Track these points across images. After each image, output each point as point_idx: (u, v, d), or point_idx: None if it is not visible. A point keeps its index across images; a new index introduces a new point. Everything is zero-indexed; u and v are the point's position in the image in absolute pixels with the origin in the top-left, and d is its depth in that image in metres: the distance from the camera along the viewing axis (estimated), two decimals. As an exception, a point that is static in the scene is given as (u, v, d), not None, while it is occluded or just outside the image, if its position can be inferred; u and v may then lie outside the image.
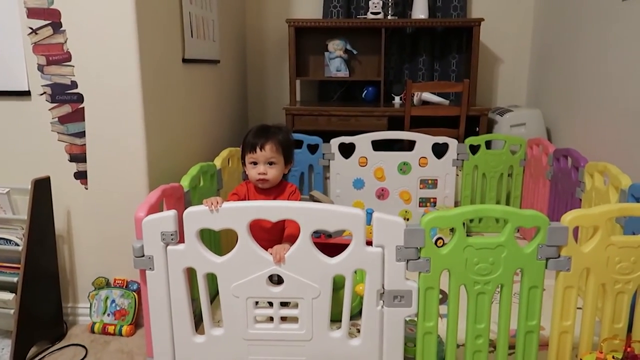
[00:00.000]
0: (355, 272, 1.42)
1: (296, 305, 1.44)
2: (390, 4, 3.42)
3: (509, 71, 3.67)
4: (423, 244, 1.37)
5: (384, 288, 1.40)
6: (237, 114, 3.40)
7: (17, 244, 1.78)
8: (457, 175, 2.95)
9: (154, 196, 1.56)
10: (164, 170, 2.03)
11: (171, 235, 1.40)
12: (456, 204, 2.98)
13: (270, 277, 1.43)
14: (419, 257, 1.38)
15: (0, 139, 1.90)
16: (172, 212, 1.40)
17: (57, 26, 1.79)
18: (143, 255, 1.42)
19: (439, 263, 1.38)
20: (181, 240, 1.42)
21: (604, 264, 1.38)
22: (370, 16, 3.36)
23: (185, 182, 1.88)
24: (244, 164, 1.88)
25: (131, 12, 1.77)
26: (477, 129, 3.16)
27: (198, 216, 1.39)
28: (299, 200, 1.87)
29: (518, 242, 1.38)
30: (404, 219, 2.91)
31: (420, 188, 2.95)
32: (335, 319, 1.52)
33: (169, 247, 1.41)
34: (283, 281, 1.42)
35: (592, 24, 2.67)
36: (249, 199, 1.85)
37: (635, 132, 2.22)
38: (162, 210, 1.64)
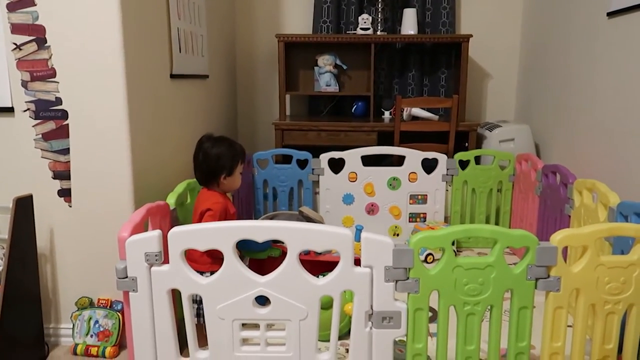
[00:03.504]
0: (344, 292, 1.40)
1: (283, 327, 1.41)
2: (379, 20, 3.44)
3: (497, 86, 3.69)
4: (412, 265, 1.35)
5: (372, 309, 1.38)
6: (226, 129, 3.38)
7: (-3, 264, 1.73)
8: (447, 190, 2.95)
9: (138, 215, 1.54)
10: (150, 187, 2.00)
11: (155, 255, 1.37)
12: (446, 219, 2.98)
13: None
14: (408, 278, 1.36)
15: (-18, 155, 1.87)
16: (156, 232, 1.37)
17: (41, 42, 1.77)
18: (126, 277, 1.38)
19: (428, 283, 1.37)
20: (166, 260, 1.39)
21: (593, 284, 1.37)
22: (359, 32, 3.37)
23: (171, 199, 1.85)
24: (231, 173, 1.92)
25: (117, 28, 1.76)
26: (467, 144, 3.16)
27: (183, 236, 1.36)
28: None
29: (507, 258, 1.37)
30: (394, 234, 2.96)
31: (410, 203, 2.94)
32: (324, 339, 1.49)
33: (153, 268, 1.38)
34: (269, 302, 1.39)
35: (579, 40, 2.69)
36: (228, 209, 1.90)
37: (622, 148, 2.23)
38: (147, 229, 1.61)
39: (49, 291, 1.95)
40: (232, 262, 1.36)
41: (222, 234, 1.35)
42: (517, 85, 3.66)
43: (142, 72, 1.94)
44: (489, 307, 1.40)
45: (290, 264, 1.36)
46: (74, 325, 1.90)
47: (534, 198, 2.58)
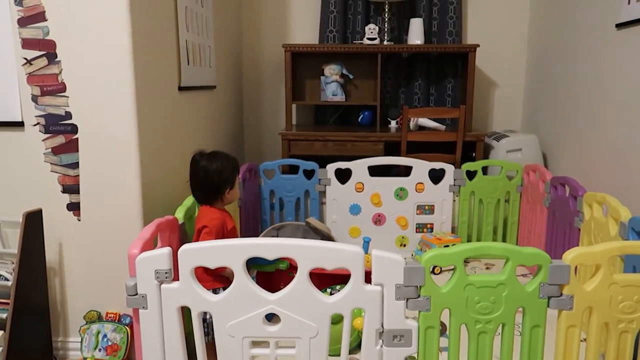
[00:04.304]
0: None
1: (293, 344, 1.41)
2: (386, 30, 3.44)
3: (504, 96, 3.68)
4: (423, 282, 1.34)
5: (383, 327, 1.37)
6: (233, 140, 3.39)
7: (6, 279, 1.73)
8: (454, 200, 2.94)
9: (148, 231, 1.53)
10: (159, 200, 2.00)
11: (165, 273, 1.37)
12: (453, 230, 2.97)
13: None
14: (419, 296, 1.35)
15: (-8, 169, 1.87)
16: (166, 250, 1.37)
17: (52, 57, 1.78)
18: (136, 294, 1.38)
19: (440, 302, 1.36)
20: (175, 277, 1.39)
21: (606, 302, 1.36)
22: (366, 42, 3.37)
23: (180, 213, 1.85)
24: (233, 186, 1.90)
25: (127, 42, 1.76)
26: (474, 154, 3.15)
27: (193, 254, 1.36)
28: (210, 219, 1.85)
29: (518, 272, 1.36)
30: (401, 245, 2.95)
31: (417, 214, 2.94)
32: (333, 353, 1.48)
33: (163, 286, 1.37)
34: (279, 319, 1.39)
35: (587, 51, 2.68)
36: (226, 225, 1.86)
37: (632, 160, 2.21)
38: (156, 244, 1.61)
39: (57, 305, 1.95)
40: (242, 280, 1.35)
41: (233, 251, 1.35)
42: (524, 95, 3.65)
43: (151, 85, 1.94)
44: (500, 326, 1.39)
45: (301, 282, 1.35)
46: (82, 339, 1.90)
47: (542, 209, 2.57)
